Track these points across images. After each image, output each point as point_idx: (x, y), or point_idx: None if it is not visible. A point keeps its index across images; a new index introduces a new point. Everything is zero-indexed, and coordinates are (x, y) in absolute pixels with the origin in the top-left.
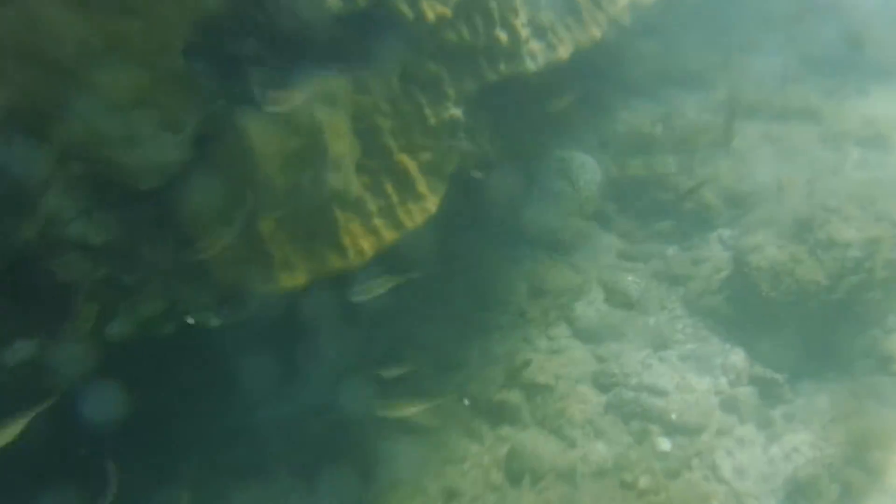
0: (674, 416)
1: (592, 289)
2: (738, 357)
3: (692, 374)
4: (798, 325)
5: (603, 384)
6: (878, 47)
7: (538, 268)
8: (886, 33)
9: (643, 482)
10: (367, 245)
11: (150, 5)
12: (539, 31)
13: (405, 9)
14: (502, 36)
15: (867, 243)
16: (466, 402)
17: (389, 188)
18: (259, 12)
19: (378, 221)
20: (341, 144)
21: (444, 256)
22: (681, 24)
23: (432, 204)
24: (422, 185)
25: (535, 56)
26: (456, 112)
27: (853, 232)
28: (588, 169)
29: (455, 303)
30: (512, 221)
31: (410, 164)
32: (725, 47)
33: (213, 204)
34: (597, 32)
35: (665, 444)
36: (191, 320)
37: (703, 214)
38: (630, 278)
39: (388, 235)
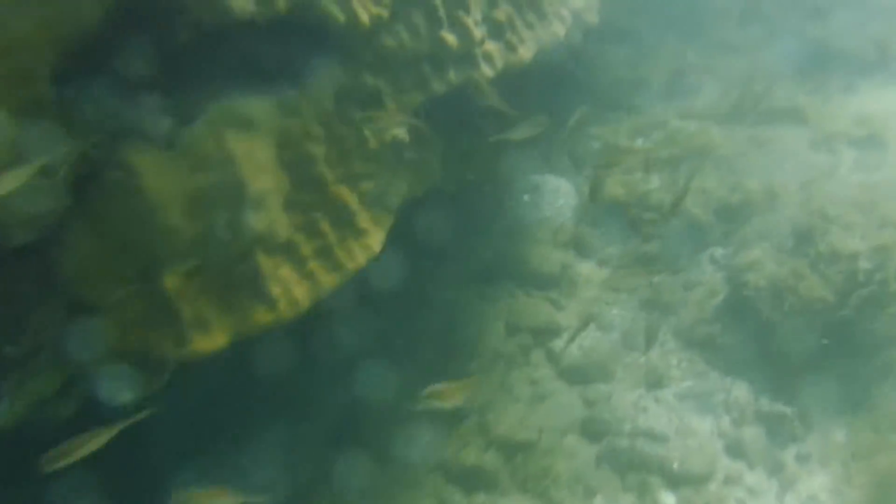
0: (676, 466)
1: (575, 325)
2: (741, 392)
3: (692, 414)
4: (805, 349)
5: (593, 433)
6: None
7: (514, 304)
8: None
9: None
10: (301, 293)
11: (3, 25)
12: (496, 30)
13: (335, 11)
14: (450, 38)
15: (875, 252)
16: None
17: (326, 226)
18: (150, 25)
19: (314, 265)
20: (264, 178)
21: (407, 297)
22: (654, 26)
23: (376, 241)
24: (364, 220)
25: (492, 59)
26: (399, 132)
27: (857, 241)
28: (562, 193)
29: (421, 350)
30: (482, 254)
31: (350, 197)
32: (703, 48)
33: (101, 259)
34: (560, 29)
35: (669, 499)
36: None
37: (691, 233)
38: (615, 311)
39: (327, 281)
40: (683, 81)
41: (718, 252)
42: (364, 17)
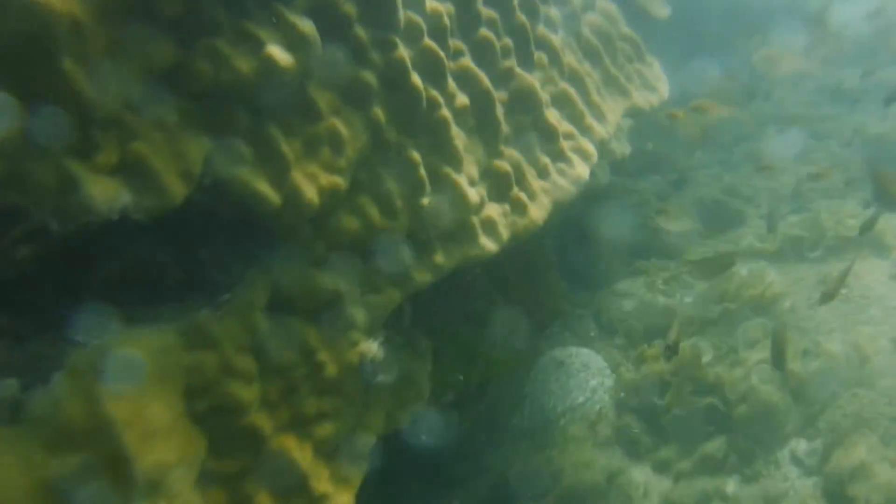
0: None
1: None
2: None
3: None
4: None
5: None
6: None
7: None
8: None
9: None
10: None
11: None
12: (499, 186)
13: (266, 191)
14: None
15: None
16: None
17: (264, 500)
18: None
19: None
20: (162, 447)
21: None
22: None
23: None
24: (322, 481)
25: (495, 228)
26: (370, 346)
27: None
28: (593, 370)
29: None
30: (495, 469)
31: (300, 452)
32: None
33: None
34: (583, 170)
35: None
36: None
37: (763, 421)
38: None
39: None
40: (722, 210)
41: (802, 447)
42: (310, 195)
